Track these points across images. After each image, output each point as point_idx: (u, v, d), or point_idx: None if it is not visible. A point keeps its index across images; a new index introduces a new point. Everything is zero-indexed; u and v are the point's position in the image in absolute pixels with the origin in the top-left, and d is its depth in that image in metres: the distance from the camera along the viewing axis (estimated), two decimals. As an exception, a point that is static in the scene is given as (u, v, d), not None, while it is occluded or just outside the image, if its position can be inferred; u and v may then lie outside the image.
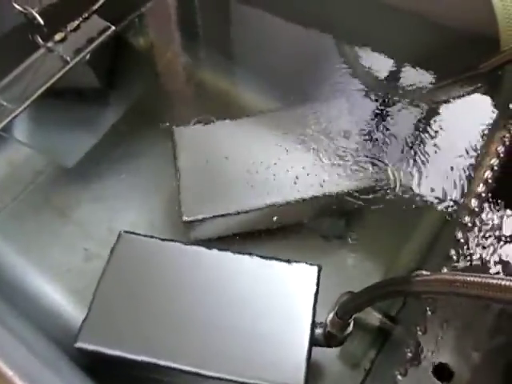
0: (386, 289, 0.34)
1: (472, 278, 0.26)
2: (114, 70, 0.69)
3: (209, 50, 0.75)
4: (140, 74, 0.70)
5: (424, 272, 0.31)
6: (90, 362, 0.43)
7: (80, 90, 0.66)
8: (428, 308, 0.39)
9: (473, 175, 0.53)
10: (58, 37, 0.60)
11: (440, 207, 0.55)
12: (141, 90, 0.69)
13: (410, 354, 0.37)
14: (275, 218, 0.54)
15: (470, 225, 0.44)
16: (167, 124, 0.61)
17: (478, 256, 0.42)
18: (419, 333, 0.38)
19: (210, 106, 0.66)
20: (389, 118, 0.63)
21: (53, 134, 0.64)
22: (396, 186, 0.56)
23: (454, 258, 0.41)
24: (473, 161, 0.56)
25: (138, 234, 0.47)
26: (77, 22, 0.61)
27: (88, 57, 0.62)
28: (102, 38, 0.62)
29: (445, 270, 0.41)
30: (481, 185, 0.47)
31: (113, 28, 0.62)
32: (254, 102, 0.67)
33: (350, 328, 0.42)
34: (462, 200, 0.51)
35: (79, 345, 0.41)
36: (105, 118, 0.66)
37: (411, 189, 0.56)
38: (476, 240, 0.43)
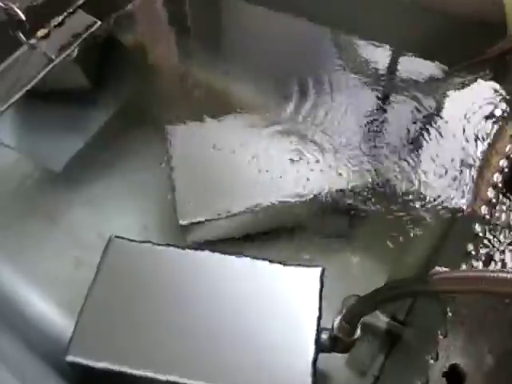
0: (400, 290, 0.33)
1: (504, 275, 0.24)
2: (103, 69, 0.68)
3: (201, 46, 0.74)
4: (130, 72, 0.69)
5: (441, 269, 0.29)
6: (82, 378, 0.42)
7: (67, 89, 0.65)
8: (448, 309, 0.37)
9: (484, 165, 0.52)
10: (40, 33, 0.59)
11: (450, 201, 0.53)
12: (131, 88, 0.68)
13: (431, 361, 0.35)
14: (275, 219, 0.53)
15: (487, 217, 0.42)
16: (159, 123, 0.60)
17: (500, 250, 0.40)
18: (440, 336, 0.36)
19: (204, 104, 0.65)
20: (391, 112, 0.62)
21: (39, 136, 0.63)
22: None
23: (473, 253, 0.39)
24: (482, 151, 0.55)
25: (130, 239, 0.46)
26: (61, 18, 0.60)
27: (75, 55, 0.61)
28: (87, 34, 0.61)
29: (463, 267, 0.39)
30: (496, 174, 0.45)
31: (99, 23, 0.61)
32: (249, 99, 0.66)
33: (358, 332, 0.40)
34: (473, 192, 0.50)
35: (70, 358, 0.39)
36: (94, 118, 0.65)
37: (418, 183, 0.55)
38: (495, 233, 0.41)
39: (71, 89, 0.65)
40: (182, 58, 0.73)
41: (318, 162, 0.54)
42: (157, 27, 0.76)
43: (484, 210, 0.43)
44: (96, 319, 0.41)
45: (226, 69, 0.70)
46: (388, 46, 0.67)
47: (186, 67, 0.71)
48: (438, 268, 0.29)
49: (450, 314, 0.37)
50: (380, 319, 0.48)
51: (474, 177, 0.52)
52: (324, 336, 0.41)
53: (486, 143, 0.55)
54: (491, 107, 0.59)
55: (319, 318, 0.41)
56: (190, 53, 0.73)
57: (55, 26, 0.60)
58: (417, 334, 0.44)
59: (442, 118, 0.60)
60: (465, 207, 0.51)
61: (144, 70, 0.71)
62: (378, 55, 0.67)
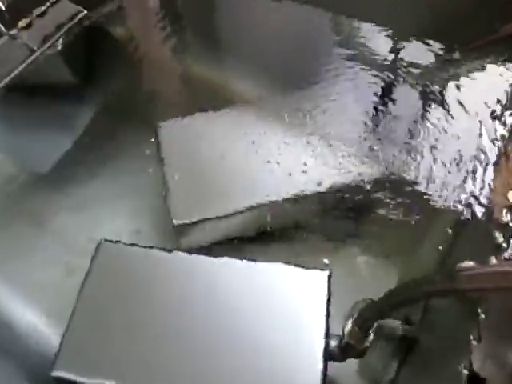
0: (421, 290, 0.30)
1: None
2: (92, 63, 0.67)
3: (194, 38, 0.74)
4: (120, 66, 0.68)
5: (468, 264, 0.26)
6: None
7: (53, 85, 0.63)
8: (480, 310, 0.34)
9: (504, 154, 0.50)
10: (22, 23, 0.58)
11: (465, 195, 0.51)
12: (121, 83, 0.68)
13: (465, 371, 0.32)
14: (276, 219, 0.51)
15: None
16: (151, 119, 0.58)
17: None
18: (473, 342, 0.33)
19: (197, 99, 0.65)
20: (397, 101, 0.60)
21: (23, 135, 0.62)
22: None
23: (504, 245, 0.37)
24: (499, 139, 0.53)
25: (121, 243, 0.44)
26: (44, 7, 0.59)
27: (60, 47, 0.60)
28: (72, 24, 0.60)
29: (494, 260, 0.36)
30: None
31: (84, 12, 0.61)
32: (246, 92, 0.65)
33: (371, 338, 0.38)
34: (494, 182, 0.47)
35: (56, 373, 0.37)
36: (81, 115, 0.64)
37: (429, 177, 0.53)
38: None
39: (56, 83, 0.64)
40: (174, 50, 0.72)
41: (319, 156, 0.53)
42: (149, 19, 0.75)
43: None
44: (85, 329, 0.39)
45: (221, 61, 0.69)
46: (392, 30, 0.65)
47: (179, 60, 0.70)
48: (463, 263, 0.26)
49: (482, 316, 0.34)
50: (393, 321, 0.45)
51: (492, 165, 0.50)
52: (333, 343, 0.39)
53: (502, 131, 0.53)
54: (506, 94, 0.57)
55: (327, 322, 0.39)
56: (184, 45, 0.72)
57: (37, 16, 0.59)
58: (439, 337, 0.42)
59: (451, 106, 0.58)
60: (483, 199, 0.48)
61: (135, 64, 0.70)
62: (383, 40, 0.65)
